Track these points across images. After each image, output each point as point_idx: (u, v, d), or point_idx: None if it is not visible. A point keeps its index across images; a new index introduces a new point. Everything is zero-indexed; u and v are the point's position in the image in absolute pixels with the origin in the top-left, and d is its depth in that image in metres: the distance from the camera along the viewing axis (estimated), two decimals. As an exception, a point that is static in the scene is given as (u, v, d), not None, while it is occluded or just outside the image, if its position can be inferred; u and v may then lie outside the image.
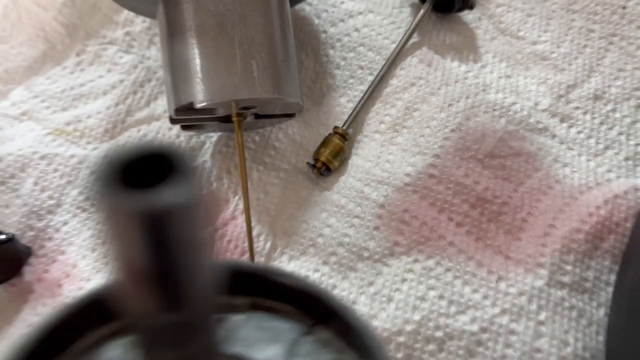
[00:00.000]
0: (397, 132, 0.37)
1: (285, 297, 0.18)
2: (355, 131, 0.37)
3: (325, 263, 0.33)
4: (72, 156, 0.37)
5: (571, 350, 0.30)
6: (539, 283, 0.31)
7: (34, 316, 0.33)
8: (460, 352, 0.30)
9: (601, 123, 0.37)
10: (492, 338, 0.30)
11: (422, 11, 0.40)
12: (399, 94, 0.38)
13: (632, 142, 0.36)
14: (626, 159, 0.36)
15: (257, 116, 0.35)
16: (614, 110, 0.37)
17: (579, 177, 0.35)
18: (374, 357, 0.16)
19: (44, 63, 0.41)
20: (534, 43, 0.40)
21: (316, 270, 0.33)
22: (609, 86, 0.38)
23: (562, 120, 0.37)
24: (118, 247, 0.11)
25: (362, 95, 0.38)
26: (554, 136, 0.37)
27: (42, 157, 0.37)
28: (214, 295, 0.13)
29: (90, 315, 0.17)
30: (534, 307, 0.31)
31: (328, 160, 0.35)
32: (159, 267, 0.11)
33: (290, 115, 0.36)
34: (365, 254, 0.33)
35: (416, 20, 0.40)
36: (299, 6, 0.41)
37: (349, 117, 0.37)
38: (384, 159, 0.36)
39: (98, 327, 0.17)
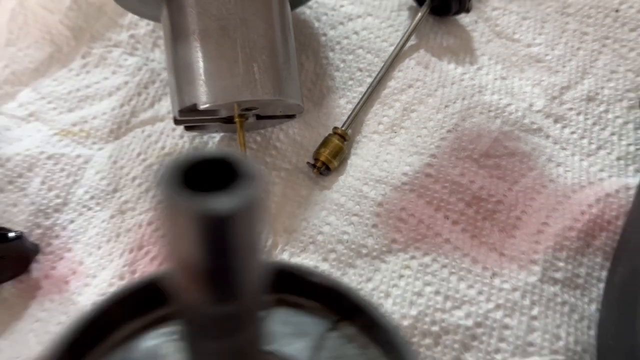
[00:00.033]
0: (395, 132, 0.38)
1: (310, 293, 0.19)
2: (354, 132, 0.38)
3: (324, 260, 0.34)
4: (78, 156, 0.38)
5: (563, 344, 0.31)
6: (532, 279, 0.32)
7: (42, 312, 0.34)
8: (456, 346, 0.31)
9: (594, 124, 0.38)
10: (487, 332, 0.31)
11: (419, 14, 0.41)
12: (397, 96, 0.39)
13: (624, 142, 0.37)
14: (618, 158, 0.37)
15: (259, 117, 0.36)
16: (606, 111, 0.38)
17: (572, 176, 0.36)
18: (399, 351, 0.17)
19: (50, 65, 0.42)
20: (529, 45, 0.41)
21: (316, 267, 0.34)
22: (602, 88, 0.39)
23: (556, 121, 0.38)
24: (177, 244, 0.11)
25: (361, 96, 0.39)
26: (548, 136, 0.38)
27: (49, 157, 0.38)
28: (262, 292, 0.13)
29: (125, 308, 0.17)
30: (527, 302, 0.32)
31: (328, 160, 0.36)
32: (215, 265, 0.11)
33: (290, 116, 0.37)
34: (364, 251, 0.34)
35: (414, 23, 0.41)
36: (299, 9, 0.42)
37: (348, 118, 0.38)
38: (382, 158, 0.37)
39: (132, 319, 0.18)
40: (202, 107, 0.32)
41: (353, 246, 0.34)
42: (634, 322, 0.28)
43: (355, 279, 0.33)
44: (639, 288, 0.29)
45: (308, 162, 0.37)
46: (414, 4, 0.42)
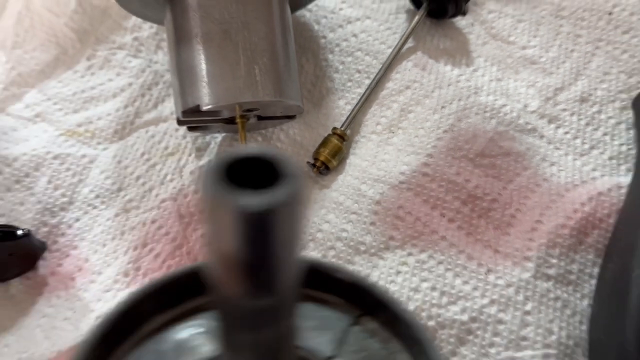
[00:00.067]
0: (393, 132, 0.39)
1: (332, 288, 0.19)
2: (353, 132, 0.39)
3: (324, 257, 0.35)
4: (84, 156, 0.39)
5: (555, 338, 0.32)
6: (526, 275, 0.33)
7: (48, 308, 0.35)
8: (451, 340, 0.32)
9: (587, 124, 0.39)
10: (481, 327, 0.32)
11: (417, 17, 0.42)
12: (395, 97, 0.40)
13: (616, 142, 0.38)
14: (610, 158, 0.38)
15: (260, 118, 0.37)
16: (599, 111, 0.39)
17: (565, 175, 0.37)
18: (422, 346, 0.17)
19: (56, 67, 0.42)
20: (524, 48, 0.42)
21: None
22: (595, 89, 0.40)
23: (550, 122, 0.39)
24: (219, 238, 0.11)
25: (359, 97, 0.40)
26: (542, 136, 0.38)
27: (55, 157, 0.39)
28: (297, 287, 0.13)
29: (155, 301, 0.18)
30: (520, 298, 0.33)
31: (327, 159, 0.37)
32: (255, 260, 0.12)
33: (291, 117, 0.38)
34: (362, 248, 0.35)
35: (411, 26, 0.41)
36: (299, 12, 0.43)
37: (347, 119, 0.39)
38: (380, 158, 0.38)
39: (162, 312, 0.18)
40: (204, 108, 0.33)
41: (352, 243, 0.35)
42: (624, 317, 0.29)
43: (354, 276, 0.34)
44: (629, 284, 0.29)
45: (308, 162, 0.38)
46: (412, 7, 0.43)
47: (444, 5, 0.41)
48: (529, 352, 0.31)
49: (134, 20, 0.43)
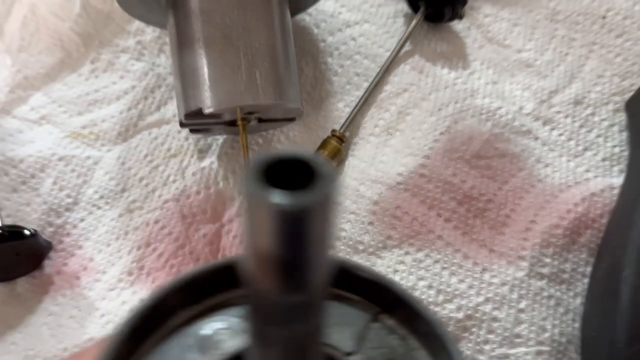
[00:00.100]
0: (391, 134, 0.40)
1: (351, 286, 0.19)
2: (352, 134, 0.40)
3: (323, 256, 0.35)
4: (88, 157, 0.40)
5: (548, 335, 0.33)
6: (520, 274, 0.34)
7: (54, 306, 0.35)
8: (447, 337, 0.32)
9: (581, 126, 0.40)
10: (476, 324, 0.33)
11: (414, 21, 0.42)
12: (393, 99, 0.41)
13: (609, 144, 0.39)
14: (603, 159, 0.38)
15: (260, 120, 0.37)
16: (593, 114, 0.40)
17: (559, 176, 0.38)
18: (443, 342, 0.18)
19: (61, 70, 0.43)
20: (520, 51, 0.43)
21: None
22: (589, 92, 0.41)
23: (544, 124, 0.40)
24: (256, 235, 0.12)
25: (358, 100, 0.40)
26: (536, 138, 0.39)
27: (60, 159, 0.39)
28: (328, 283, 0.14)
29: (180, 296, 0.18)
30: (515, 296, 0.33)
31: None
32: (290, 257, 0.12)
33: (291, 119, 0.39)
34: (360, 247, 0.35)
35: (409, 30, 0.42)
36: (299, 16, 0.44)
37: (346, 121, 0.40)
38: (378, 159, 0.39)
39: (187, 307, 0.19)
40: (206, 111, 0.34)
41: (350, 243, 0.36)
42: (614, 315, 0.30)
43: (352, 274, 0.35)
44: (619, 283, 0.30)
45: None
46: (409, 11, 0.44)
47: (441, 9, 0.42)
48: (522, 349, 0.32)
49: (137, 24, 0.44)
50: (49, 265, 0.37)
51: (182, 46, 0.35)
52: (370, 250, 0.35)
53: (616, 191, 0.36)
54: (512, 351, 0.32)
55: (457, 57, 0.43)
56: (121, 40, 0.44)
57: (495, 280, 0.34)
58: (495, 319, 0.33)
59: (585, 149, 0.39)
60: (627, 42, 0.42)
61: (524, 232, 0.35)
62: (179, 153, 0.40)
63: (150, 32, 0.44)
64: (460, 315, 0.33)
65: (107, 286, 0.36)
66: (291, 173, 0.11)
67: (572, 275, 0.34)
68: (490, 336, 0.32)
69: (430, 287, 0.34)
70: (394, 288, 0.19)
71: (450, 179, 0.37)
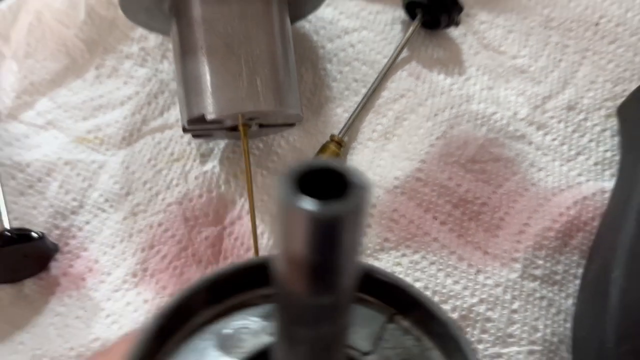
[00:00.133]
0: (388, 139, 0.41)
1: (368, 288, 0.20)
2: (350, 139, 0.41)
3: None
4: (93, 162, 0.41)
5: (540, 335, 0.34)
6: (513, 276, 0.35)
7: (61, 307, 0.36)
8: (442, 336, 0.33)
9: (574, 131, 0.41)
10: (470, 324, 0.34)
11: (411, 28, 0.43)
12: (390, 105, 0.42)
13: (601, 149, 0.40)
14: (595, 163, 0.39)
15: (261, 125, 0.38)
16: (585, 119, 0.41)
17: (552, 180, 0.39)
18: (458, 343, 0.18)
19: (66, 76, 0.44)
20: (514, 57, 0.44)
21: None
22: (582, 97, 0.42)
23: (538, 129, 0.41)
24: (290, 241, 0.12)
25: (356, 105, 0.41)
26: (530, 143, 0.40)
27: (66, 163, 0.40)
28: (355, 286, 0.14)
29: (202, 296, 0.19)
30: (508, 297, 0.34)
31: (325, 165, 0.39)
32: (321, 261, 0.12)
33: (291, 125, 0.40)
34: (358, 250, 0.36)
35: (406, 37, 0.43)
36: (299, 24, 0.45)
37: (344, 126, 0.41)
38: (375, 164, 0.40)
39: (209, 306, 0.19)
40: (209, 117, 0.35)
41: (348, 245, 0.36)
42: (604, 315, 0.31)
43: (350, 276, 0.36)
44: (609, 284, 0.31)
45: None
46: (407, 18, 0.45)
47: (437, 16, 0.43)
48: (514, 348, 0.33)
49: (141, 31, 0.45)
50: (55, 267, 0.37)
51: (185, 54, 0.36)
52: (368, 252, 0.36)
53: (607, 195, 0.37)
54: (505, 350, 0.33)
55: (453, 63, 0.44)
56: (125, 47, 0.45)
57: (489, 281, 0.35)
58: (488, 319, 0.34)
59: (578, 154, 0.40)
60: (619, 49, 0.43)
61: (518, 234, 0.36)
62: (182, 157, 0.40)
63: (153, 39, 0.45)
64: (455, 315, 0.34)
65: (112, 287, 0.36)
66: (323, 181, 0.12)
67: (564, 276, 0.35)
68: (484, 336, 0.33)
69: (426, 288, 0.35)
70: (409, 290, 0.20)
71: (446, 183, 0.38)
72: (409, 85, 0.42)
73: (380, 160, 0.40)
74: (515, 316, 0.34)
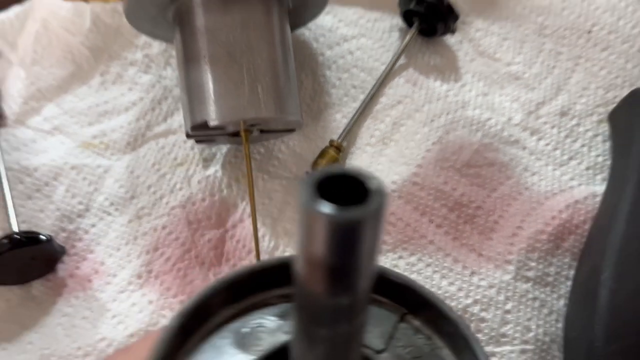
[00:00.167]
0: (386, 144, 0.42)
1: (380, 288, 0.20)
2: (349, 144, 0.42)
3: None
4: (99, 166, 0.42)
5: (533, 335, 0.35)
6: (507, 277, 0.36)
7: (68, 307, 0.37)
8: (438, 336, 0.34)
9: (566, 136, 0.42)
10: (465, 324, 0.35)
11: (408, 35, 0.44)
12: (388, 111, 0.43)
13: (593, 154, 0.41)
14: (587, 168, 0.41)
15: (262, 131, 0.39)
16: (578, 125, 0.42)
17: (545, 184, 0.40)
18: (467, 341, 0.19)
19: (72, 82, 0.45)
20: (509, 64, 0.45)
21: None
22: (575, 103, 0.43)
23: (532, 134, 0.42)
24: (311, 243, 0.13)
25: (355, 111, 0.42)
26: (524, 148, 0.41)
27: (72, 167, 0.41)
28: (371, 287, 0.15)
29: (221, 296, 0.19)
30: (501, 298, 0.36)
31: (324, 169, 0.40)
32: (340, 264, 0.13)
33: (291, 130, 0.41)
34: (357, 252, 0.37)
35: (403, 44, 0.44)
36: (299, 31, 0.46)
37: (343, 131, 0.42)
38: (373, 168, 0.41)
39: (227, 306, 0.20)
40: (212, 124, 0.36)
41: (347, 248, 0.37)
42: (593, 316, 0.32)
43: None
44: (598, 285, 0.32)
45: (307, 172, 0.41)
46: (404, 26, 0.46)
47: (434, 24, 0.44)
48: (507, 348, 0.34)
49: (145, 38, 0.46)
50: (63, 269, 0.38)
51: (189, 62, 0.37)
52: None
53: (599, 199, 0.38)
54: (498, 349, 0.34)
55: (449, 70, 0.45)
56: (129, 54, 0.46)
57: (483, 283, 0.36)
58: (482, 320, 0.35)
59: (570, 158, 0.41)
60: (611, 56, 0.44)
61: (511, 237, 0.37)
62: (185, 162, 0.42)
63: (157, 46, 0.46)
64: (450, 316, 0.35)
65: (117, 289, 0.37)
66: (343, 187, 0.12)
67: (556, 278, 0.37)
68: (478, 335, 0.34)
69: (422, 289, 0.36)
70: (420, 290, 0.20)
71: (441, 187, 0.39)
72: (406, 91, 0.44)
73: (378, 165, 0.41)
74: (509, 316, 0.35)
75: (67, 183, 0.41)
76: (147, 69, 0.45)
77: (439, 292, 0.36)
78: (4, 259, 0.36)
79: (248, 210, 0.39)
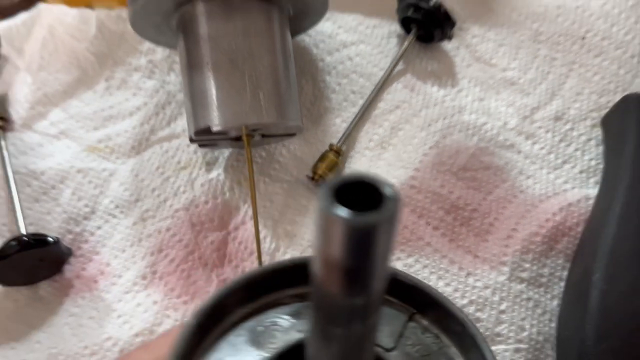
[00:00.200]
0: (384, 148, 0.43)
1: (390, 289, 0.21)
2: (348, 148, 0.43)
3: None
4: (104, 170, 0.43)
5: (527, 334, 0.36)
6: (502, 278, 0.37)
7: (75, 307, 0.38)
8: (434, 335, 0.35)
9: (560, 140, 0.43)
10: (461, 324, 0.36)
11: (406, 42, 0.45)
12: (386, 116, 0.44)
13: (586, 158, 0.42)
14: (581, 172, 0.42)
15: (264, 135, 0.40)
16: (572, 129, 0.43)
17: (539, 187, 0.41)
18: (474, 340, 0.19)
19: (77, 88, 0.46)
20: (505, 70, 0.46)
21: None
22: (568, 108, 0.44)
23: (527, 138, 0.43)
24: (328, 247, 0.13)
25: (354, 116, 0.43)
26: (519, 152, 0.42)
27: (78, 171, 0.42)
28: (384, 288, 0.15)
29: (236, 296, 0.20)
30: (496, 298, 0.37)
31: (324, 173, 0.41)
32: (356, 266, 0.14)
33: (292, 134, 0.42)
34: (355, 254, 0.38)
35: (401, 50, 0.45)
36: (300, 37, 0.47)
37: (342, 136, 0.43)
38: (372, 172, 0.42)
39: (242, 306, 0.21)
40: (215, 129, 0.37)
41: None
42: (585, 316, 0.33)
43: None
44: (589, 286, 0.33)
45: (307, 175, 0.42)
46: (402, 32, 0.47)
47: (431, 30, 0.45)
48: (502, 347, 0.35)
49: (148, 44, 0.46)
50: (69, 270, 0.39)
51: (192, 69, 0.38)
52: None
53: (591, 201, 0.39)
54: (493, 348, 0.35)
55: (446, 75, 0.46)
56: (133, 60, 0.47)
57: (478, 283, 0.37)
58: (478, 320, 0.36)
59: (564, 162, 0.42)
60: (604, 62, 0.45)
61: (506, 239, 0.38)
62: (189, 165, 0.43)
63: (160, 52, 0.47)
64: (446, 315, 0.36)
65: (123, 289, 0.38)
66: (359, 193, 0.13)
67: (549, 279, 0.38)
68: (474, 335, 0.35)
69: (419, 290, 0.37)
70: (428, 291, 0.21)
71: (438, 190, 0.40)
72: (404, 96, 0.45)
73: (377, 169, 0.42)
74: (503, 316, 0.36)
75: (74, 186, 0.42)
76: (151, 75, 0.46)
77: (436, 292, 0.37)
78: (13, 260, 0.36)
79: (250, 212, 0.40)
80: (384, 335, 0.21)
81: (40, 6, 0.48)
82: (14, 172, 0.41)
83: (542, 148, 0.43)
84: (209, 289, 0.38)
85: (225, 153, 0.43)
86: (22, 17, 0.48)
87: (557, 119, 0.43)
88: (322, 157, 0.42)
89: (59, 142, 0.44)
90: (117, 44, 0.47)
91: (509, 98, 0.45)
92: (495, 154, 0.42)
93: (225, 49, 0.37)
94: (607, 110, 0.42)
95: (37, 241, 0.37)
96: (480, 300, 0.36)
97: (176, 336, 0.19)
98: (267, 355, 0.20)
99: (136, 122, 0.44)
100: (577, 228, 0.39)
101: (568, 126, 0.43)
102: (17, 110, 0.45)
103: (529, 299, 0.37)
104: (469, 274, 0.37)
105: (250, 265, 0.39)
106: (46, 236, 0.38)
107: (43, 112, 0.45)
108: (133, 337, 0.36)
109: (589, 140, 0.43)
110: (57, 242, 0.38)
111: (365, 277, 0.14)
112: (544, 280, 0.37)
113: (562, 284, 0.38)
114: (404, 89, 0.45)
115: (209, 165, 0.42)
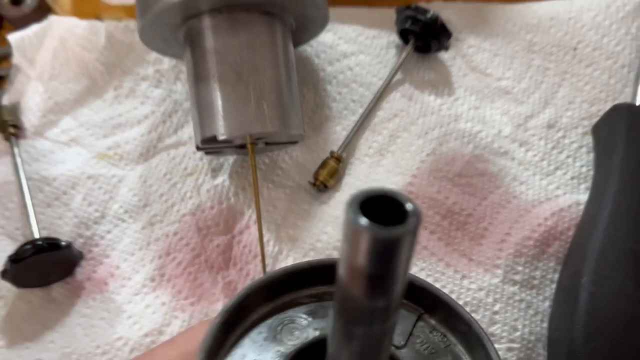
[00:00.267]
0: (383, 155, 0.44)
1: None
2: (349, 155, 0.45)
3: (322, 264, 0.40)
4: (113, 176, 0.44)
5: (519, 334, 0.37)
6: (495, 280, 0.39)
7: (86, 309, 0.40)
8: (431, 335, 0.37)
9: (553, 148, 0.44)
10: (456, 324, 0.37)
11: (404, 52, 0.47)
12: (385, 124, 0.46)
13: (577, 164, 0.44)
14: (572, 178, 0.43)
15: (267, 143, 0.42)
16: (564, 137, 0.45)
17: (532, 193, 0.42)
18: (480, 339, 0.21)
19: (87, 96, 0.47)
20: (499, 79, 0.47)
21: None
22: (561, 116, 0.45)
23: (520, 145, 0.45)
24: (353, 254, 0.14)
25: (354, 124, 0.45)
26: (513, 159, 0.44)
27: (89, 177, 0.44)
28: (404, 292, 0.16)
29: (258, 295, 0.22)
30: (490, 300, 0.38)
31: (325, 179, 0.43)
32: (378, 273, 0.14)
33: (294, 142, 0.43)
34: (355, 257, 0.40)
35: (400, 60, 0.47)
36: (302, 48, 0.48)
37: (343, 143, 0.44)
38: (371, 178, 0.43)
39: (264, 304, 0.22)
40: (220, 138, 0.38)
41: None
42: (574, 317, 0.35)
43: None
44: (578, 288, 0.35)
45: (309, 181, 0.43)
46: (400, 43, 0.49)
47: (428, 41, 0.47)
48: (495, 346, 0.37)
49: (155, 54, 0.48)
50: (80, 273, 0.41)
51: (199, 81, 0.40)
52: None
53: (582, 207, 0.41)
54: (487, 348, 0.37)
55: (443, 84, 0.47)
56: (141, 69, 0.48)
57: (473, 286, 0.39)
58: (472, 320, 0.37)
59: (556, 169, 0.43)
60: (595, 72, 0.47)
61: (500, 243, 0.40)
62: (195, 172, 0.44)
63: (167, 62, 0.49)
64: (442, 316, 0.37)
65: (132, 291, 0.40)
66: (380, 205, 0.14)
67: (541, 281, 0.39)
68: (468, 335, 0.37)
69: (416, 292, 0.38)
70: (436, 292, 0.23)
71: (435, 196, 0.42)
72: (402, 105, 0.46)
73: (376, 175, 0.43)
74: (497, 317, 0.38)
75: (84, 192, 0.43)
76: (158, 84, 0.48)
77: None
78: (27, 263, 0.38)
79: (254, 217, 0.42)
80: (396, 334, 0.22)
81: (52, 18, 0.49)
82: (27, 179, 0.43)
83: (535, 155, 0.44)
84: (214, 291, 0.40)
85: (230, 160, 0.44)
86: (34, 29, 0.49)
87: (550, 126, 0.45)
88: (323, 164, 0.43)
89: (69, 149, 0.46)
90: (126, 54, 0.49)
91: (503, 107, 0.46)
92: (489, 161, 0.43)
93: (230, 62, 0.39)
94: (598, 118, 0.44)
95: (50, 245, 0.39)
96: (475, 301, 0.38)
97: (204, 333, 0.20)
98: (286, 351, 0.21)
99: (144, 130, 0.46)
100: (568, 232, 0.40)
101: (560, 134, 0.45)
102: (29, 118, 0.46)
103: (521, 300, 0.38)
104: (464, 277, 0.39)
105: (254, 268, 0.40)
106: (59, 240, 0.39)
107: (54, 120, 0.47)
108: (143, 337, 0.38)
109: (580, 147, 0.44)
110: (69, 245, 0.40)
111: (388, 283, 0.15)
112: (536, 282, 0.39)
113: (554, 286, 0.39)
114: (402, 98, 0.46)
115: (215, 171, 0.44)
